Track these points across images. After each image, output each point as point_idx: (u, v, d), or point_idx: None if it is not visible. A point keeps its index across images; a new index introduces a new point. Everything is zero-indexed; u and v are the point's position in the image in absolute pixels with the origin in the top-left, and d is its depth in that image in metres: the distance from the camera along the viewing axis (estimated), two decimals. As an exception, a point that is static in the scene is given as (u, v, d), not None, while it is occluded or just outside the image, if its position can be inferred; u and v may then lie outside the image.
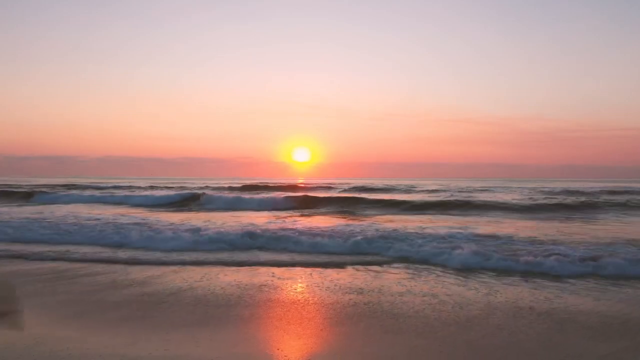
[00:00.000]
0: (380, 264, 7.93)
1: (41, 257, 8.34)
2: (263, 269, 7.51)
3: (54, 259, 8.22)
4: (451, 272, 7.25)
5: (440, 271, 7.31)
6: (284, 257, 8.57)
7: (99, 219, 13.48)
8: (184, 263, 7.99)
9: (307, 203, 22.86)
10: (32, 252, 8.74)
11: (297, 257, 8.48)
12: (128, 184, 45.37)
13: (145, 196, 26.21)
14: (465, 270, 7.30)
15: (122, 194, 27.94)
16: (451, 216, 17.32)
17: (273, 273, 7.21)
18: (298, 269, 7.60)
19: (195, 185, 43.10)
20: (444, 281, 6.65)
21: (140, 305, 5.37)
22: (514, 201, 22.95)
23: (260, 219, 15.12)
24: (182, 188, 35.73)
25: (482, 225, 13.98)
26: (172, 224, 12.55)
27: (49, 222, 12.22)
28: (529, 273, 7.09)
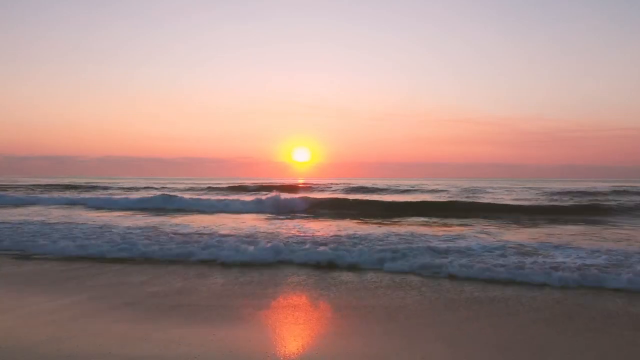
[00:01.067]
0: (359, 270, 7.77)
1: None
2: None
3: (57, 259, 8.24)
4: (458, 281, 7.15)
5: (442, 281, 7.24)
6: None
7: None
8: (187, 263, 8.05)
9: (291, 206, 20.56)
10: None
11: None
12: (111, 185, 45.18)
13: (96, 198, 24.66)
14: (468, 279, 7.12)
15: (102, 196, 26.69)
16: (459, 219, 16.89)
17: (270, 272, 7.28)
18: (295, 269, 7.66)
19: (176, 186, 42.47)
20: (441, 288, 6.78)
21: (146, 304, 5.38)
22: (525, 203, 22.20)
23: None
24: (162, 189, 35.33)
25: (494, 229, 13.74)
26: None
27: None
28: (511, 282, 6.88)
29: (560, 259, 7.72)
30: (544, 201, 24.02)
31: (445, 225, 14.00)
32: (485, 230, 12.50)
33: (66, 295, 5.73)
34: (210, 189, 36.84)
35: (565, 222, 15.16)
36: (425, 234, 11.05)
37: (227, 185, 41.33)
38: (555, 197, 26.71)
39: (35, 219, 14.59)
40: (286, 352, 3.89)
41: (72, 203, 23.70)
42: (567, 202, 23.06)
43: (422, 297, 5.75)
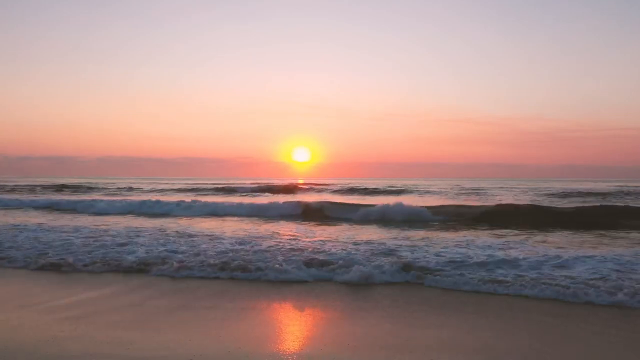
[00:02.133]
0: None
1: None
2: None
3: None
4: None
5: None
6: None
7: None
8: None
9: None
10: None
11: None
12: (107, 186, 44.88)
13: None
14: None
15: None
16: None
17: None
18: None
19: (165, 187, 41.91)
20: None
21: (148, 305, 5.36)
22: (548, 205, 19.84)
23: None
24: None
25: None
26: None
27: None
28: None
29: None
30: (564, 203, 22.75)
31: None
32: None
33: (69, 296, 5.70)
34: (197, 190, 36.16)
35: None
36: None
37: (222, 186, 40.69)
38: (574, 199, 25.45)
39: None
40: (287, 352, 3.84)
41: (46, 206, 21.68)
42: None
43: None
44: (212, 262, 7.34)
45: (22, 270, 7.32)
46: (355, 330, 4.45)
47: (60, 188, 40.21)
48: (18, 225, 12.70)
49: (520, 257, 7.78)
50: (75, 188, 40.17)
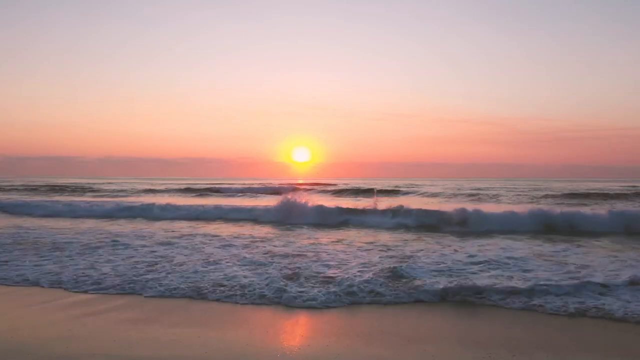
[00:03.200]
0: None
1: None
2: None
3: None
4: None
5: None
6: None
7: None
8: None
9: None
10: None
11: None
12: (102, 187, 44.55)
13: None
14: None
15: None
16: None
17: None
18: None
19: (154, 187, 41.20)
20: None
21: (149, 306, 5.29)
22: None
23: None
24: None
25: None
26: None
27: None
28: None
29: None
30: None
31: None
32: None
33: (72, 295, 5.69)
34: (188, 190, 35.76)
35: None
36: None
37: (210, 186, 40.17)
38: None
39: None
40: (290, 351, 3.84)
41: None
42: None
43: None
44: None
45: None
46: (357, 330, 4.40)
47: (37, 188, 39.78)
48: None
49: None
50: (62, 189, 39.45)
